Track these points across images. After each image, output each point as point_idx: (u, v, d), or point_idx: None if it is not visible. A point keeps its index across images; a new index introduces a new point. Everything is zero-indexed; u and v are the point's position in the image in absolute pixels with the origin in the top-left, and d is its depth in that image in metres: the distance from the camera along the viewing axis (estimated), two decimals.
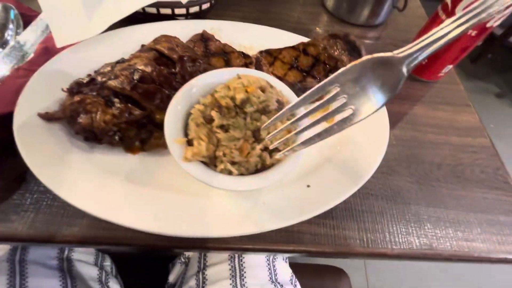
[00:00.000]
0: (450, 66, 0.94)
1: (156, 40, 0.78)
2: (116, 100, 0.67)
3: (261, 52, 0.86)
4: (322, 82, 0.49)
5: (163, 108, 0.69)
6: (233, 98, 0.49)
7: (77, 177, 0.60)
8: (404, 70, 0.45)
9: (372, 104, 0.47)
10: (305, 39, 0.91)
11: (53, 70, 0.72)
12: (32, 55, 0.81)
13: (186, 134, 0.54)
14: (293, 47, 0.85)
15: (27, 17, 0.91)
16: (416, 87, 1.00)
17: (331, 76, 0.48)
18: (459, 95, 1.00)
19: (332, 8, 1.20)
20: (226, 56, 0.83)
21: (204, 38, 0.84)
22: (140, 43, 0.85)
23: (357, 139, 0.75)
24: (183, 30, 0.89)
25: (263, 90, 0.51)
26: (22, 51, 0.82)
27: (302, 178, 0.66)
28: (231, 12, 1.12)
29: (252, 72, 0.59)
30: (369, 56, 0.46)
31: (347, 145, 0.75)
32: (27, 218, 0.62)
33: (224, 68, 0.64)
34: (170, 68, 0.73)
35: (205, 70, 0.75)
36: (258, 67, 0.85)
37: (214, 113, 0.48)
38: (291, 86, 0.79)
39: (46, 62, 0.72)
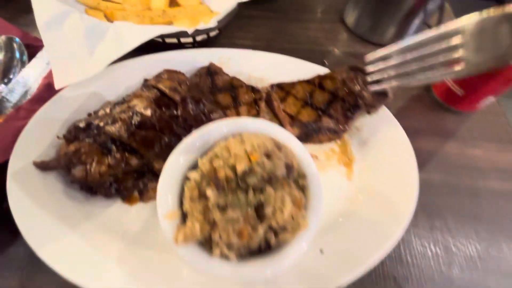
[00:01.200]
0: (492, 98, 0.82)
1: (159, 77, 0.73)
2: (113, 147, 0.62)
3: (272, 86, 0.79)
4: (446, 30, 0.49)
5: (162, 157, 0.64)
6: (233, 168, 0.42)
7: (68, 242, 0.56)
8: None
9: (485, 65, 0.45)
10: (322, 69, 0.82)
11: (51, 113, 0.69)
12: (35, 90, 0.79)
13: (181, 200, 0.48)
14: (307, 81, 0.77)
15: (33, 48, 0.89)
16: (449, 119, 0.88)
17: (457, 24, 0.47)
18: (502, 129, 0.86)
19: (353, 25, 1.10)
20: (234, 91, 0.76)
21: (210, 72, 0.77)
22: (143, 75, 0.80)
23: (381, 189, 0.66)
24: (190, 60, 0.83)
25: (269, 156, 0.44)
26: (26, 86, 0.80)
27: (315, 239, 0.58)
28: (243, 33, 1.05)
29: (258, 126, 0.52)
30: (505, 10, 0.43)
31: (368, 197, 0.66)
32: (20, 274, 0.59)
33: (227, 118, 0.57)
34: (172, 109, 0.67)
35: (209, 112, 0.69)
36: (269, 103, 0.78)
37: (210, 192, 0.41)
38: (305, 126, 0.72)
39: (44, 105, 0.69)
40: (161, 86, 0.68)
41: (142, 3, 0.97)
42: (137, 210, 0.64)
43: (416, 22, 0.99)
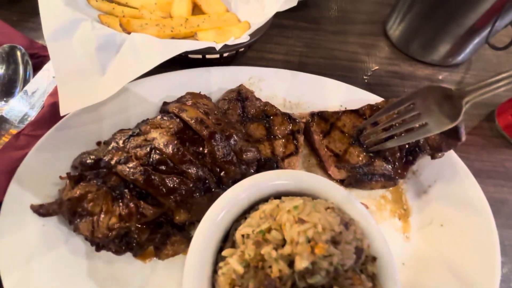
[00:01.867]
0: None
1: (181, 102, 0.62)
2: (126, 192, 0.51)
3: (312, 115, 0.66)
4: (405, 96, 0.57)
5: (184, 206, 0.53)
6: (289, 261, 0.31)
7: None
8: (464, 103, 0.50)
9: (441, 125, 0.52)
10: (373, 97, 0.69)
11: (54, 143, 0.58)
12: (39, 109, 0.69)
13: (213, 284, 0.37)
14: (356, 111, 0.65)
15: (40, 57, 0.79)
16: None
17: (411, 92, 0.56)
18: None
19: (398, 40, 0.96)
20: (268, 121, 0.65)
21: (241, 97, 0.66)
22: (162, 97, 0.69)
23: (450, 257, 0.53)
24: (216, 79, 0.72)
25: (336, 242, 0.32)
26: (29, 104, 0.70)
27: None
28: (273, 45, 0.93)
29: (309, 184, 0.40)
30: (434, 85, 0.55)
31: (433, 265, 0.53)
32: None
33: (271, 171, 0.45)
34: (197, 146, 0.56)
35: (241, 151, 0.57)
36: (308, 135, 0.66)
37: None
38: (354, 170, 0.59)
39: (46, 134, 0.59)
40: (184, 116, 0.57)
41: (162, 10, 0.86)
42: (152, 268, 0.53)
43: (476, 40, 0.85)
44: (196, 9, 0.89)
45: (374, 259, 0.37)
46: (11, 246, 0.48)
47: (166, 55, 0.62)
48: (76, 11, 0.70)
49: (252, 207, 0.44)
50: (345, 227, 0.35)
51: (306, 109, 0.71)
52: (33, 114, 0.68)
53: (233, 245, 0.39)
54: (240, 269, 0.33)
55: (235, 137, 0.57)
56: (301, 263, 0.30)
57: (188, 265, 0.36)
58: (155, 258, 0.54)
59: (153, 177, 0.51)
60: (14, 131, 0.65)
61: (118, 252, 0.51)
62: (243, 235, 0.37)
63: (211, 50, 0.69)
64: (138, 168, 0.51)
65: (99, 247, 0.51)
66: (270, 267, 0.32)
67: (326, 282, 0.32)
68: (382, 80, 0.89)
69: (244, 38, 0.70)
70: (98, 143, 0.62)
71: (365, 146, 0.61)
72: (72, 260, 0.51)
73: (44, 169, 0.56)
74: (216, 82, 0.71)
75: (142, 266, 0.53)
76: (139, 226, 0.51)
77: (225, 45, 0.69)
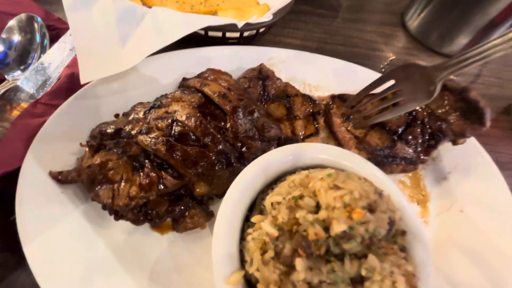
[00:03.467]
0: None
1: (203, 78, 0.61)
2: (146, 162, 0.50)
3: (333, 97, 0.66)
4: (384, 74, 0.59)
5: (205, 178, 0.52)
6: (324, 225, 0.30)
7: (81, 276, 0.45)
8: (437, 81, 0.51)
9: (418, 102, 0.54)
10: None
11: (73, 112, 0.57)
12: (55, 81, 0.68)
13: (241, 251, 0.36)
14: (378, 95, 0.64)
15: (56, 30, 0.77)
16: None
17: (390, 70, 0.58)
18: None
19: (416, 31, 0.95)
20: (288, 101, 0.64)
21: (262, 76, 0.65)
22: (181, 73, 0.68)
23: (470, 244, 0.53)
24: (235, 59, 0.71)
25: (372, 209, 0.32)
26: (45, 75, 0.69)
27: None
28: (291, 30, 0.92)
29: (336, 157, 0.39)
30: (410, 63, 0.56)
31: (452, 251, 0.53)
32: None
33: (298, 143, 0.44)
34: (219, 120, 0.55)
35: (263, 127, 0.56)
36: (328, 118, 0.65)
37: (299, 263, 0.29)
38: (375, 152, 0.59)
39: (65, 102, 0.58)
40: (207, 90, 0.56)
41: None
42: (170, 241, 0.52)
43: (497, 33, 0.84)
44: None
45: (403, 232, 0.37)
46: (29, 213, 0.48)
47: (189, 29, 0.61)
48: None
49: (278, 179, 0.43)
50: (379, 196, 0.34)
51: (325, 92, 0.71)
52: (49, 85, 0.67)
53: (261, 213, 0.38)
54: (274, 232, 0.32)
55: (257, 113, 0.56)
56: (339, 227, 0.30)
57: (217, 231, 0.35)
58: (172, 231, 0.53)
59: (175, 148, 0.50)
60: (25, 104, 0.64)
61: (137, 222, 0.50)
62: (272, 203, 0.36)
63: (232, 28, 0.68)
64: (160, 138, 0.51)
65: (117, 216, 0.50)
66: (305, 231, 0.31)
67: (359, 249, 0.32)
68: None
69: (267, 17, 0.69)
70: (116, 115, 0.61)
71: (386, 129, 0.60)
72: (90, 229, 0.50)
73: (62, 138, 0.56)
74: (235, 61, 0.70)
75: (159, 238, 0.52)
76: (159, 197, 0.51)
77: (247, 23, 0.68)
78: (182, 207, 0.52)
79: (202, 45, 0.72)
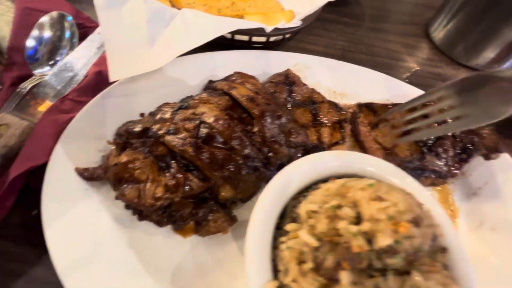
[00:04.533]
0: None
1: (230, 81, 0.61)
2: (172, 163, 0.50)
3: (360, 106, 0.65)
4: (439, 87, 0.54)
5: (231, 182, 0.51)
6: (369, 240, 0.29)
7: (102, 273, 0.44)
8: None
9: (488, 116, 0.47)
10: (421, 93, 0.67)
11: (100, 110, 0.57)
12: (82, 78, 0.69)
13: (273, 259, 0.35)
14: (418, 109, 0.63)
15: (85, 28, 0.79)
16: None
17: (448, 83, 0.52)
18: None
19: (441, 43, 0.94)
20: (314, 107, 0.63)
21: (288, 81, 0.64)
22: (207, 75, 0.68)
23: (503, 266, 0.50)
24: (261, 63, 0.70)
25: (417, 223, 0.30)
26: (73, 71, 0.69)
27: None
28: (314, 37, 0.92)
29: (373, 168, 0.38)
30: (474, 73, 0.51)
31: (483, 272, 0.50)
32: None
33: (331, 151, 0.43)
34: (245, 124, 0.54)
35: (290, 132, 0.55)
36: (354, 127, 0.64)
37: (344, 275, 0.28)
38: (404, 164, 0.57)
39: (93, 99, 0.58)
40: (235, 93, 0.56)
41: None
42: (192, 245, 0.51)
43: None
44: None
45: (444, 249, 0.35)
46: (55, 209, 0.47)
47: (218, 32, 0.61)
48: None
49: (309, 187, 0.42)
50: (421, 210, 0.33)
51: (351, 100, 0.69)
52: (76, 82, 0.68)
53: (293, 221, 0.37)
54: (313, 242, 0.31)
55: (285, 118, 0.55)
56: (384, 240, 0.28)
57: (251, 237, 0.34)
58: (194, 235, 0.52)
59: (202, 149, 0.49)
60: (51, 100, 0.64)
61: (160, 223, 0.50)
62: (307, 211, 0.35)
63: (260, 32, 0.68)
64: (188, 139, 0.50)
65: (141, 216, 0.50)
66: (346, 242, 0.30)
67: (402, 265, 0.30)
68: (424, 81, 0.87)
69: (296, 23, 0.69)
70: (141, 115, 0.61)
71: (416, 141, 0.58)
72: (114, 228, 0.50)
73: (89, 135, 0.56)
74: (261, 66, 0.70)
75: (181, 242, 0.51)
76: (183, 199, 0.50)
77: (276, 28, 0.67)
78: (206, 210, 0.51)
79: (226, 48, 0.72)
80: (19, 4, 0.75)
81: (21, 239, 0.52)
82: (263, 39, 0.73)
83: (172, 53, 0.61)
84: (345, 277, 0.28)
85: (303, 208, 0.35)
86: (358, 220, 0.32)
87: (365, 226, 0.30)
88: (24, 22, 0.72)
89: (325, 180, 0.41)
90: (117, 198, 0.50)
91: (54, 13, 0.73)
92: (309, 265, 0.30)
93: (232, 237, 0.53)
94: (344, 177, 0.40)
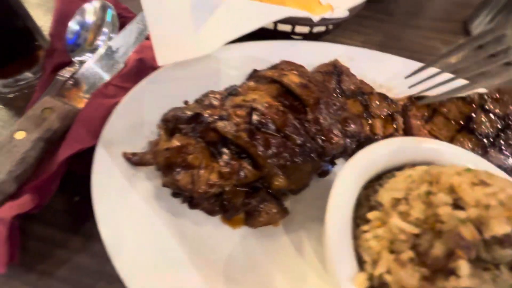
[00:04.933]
0: None
1: (279, 69, 0.58)
2: (224, 150, 0.48)
3: (411, 98, 0.62)
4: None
5: (286, 172, 0.48)
6: (479, 229, 0.26)
7: (150, 259, 0.42)
8: None
9: None
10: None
11: (146, 95, 0.56)
12: (122, 66, 0.68)
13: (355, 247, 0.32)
14: (463, 99, 0.60)
15: (123, 18, 0.78)
16: None
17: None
18: None
19: None
20: (365, 98, 0.60)
21: (337, 71, 0.62)
22: (251, 64, 0.66)
23: None
24: (304, 54, 0.68)
25: None
26: (113, 59, 0.68)
27: None
28: (351, 33, 0.90)
29: (458, 157, 0.35)
30: None
31: None
32: None
33: (409, 137, 0.41)
34: (297, 112, 0.52)
35: (345, 121, 0.53)
36: (406, 120, 0.61)
37: (463, 266, 0.25)
38: None
39: (140, 83, 0.56)
40: (286, 80, 0.53)
41: None
42: (242, 237, 0.48)
43: None
44: None
45: None
46: (105, 194, 0.45)
47: (268, 19, 0.60)
48: None
49: (381, 175, 0.39)
50: None
51: (399, 93, 0.67)
52: (116, 69, 0.67)
53: (371, 209, 0.34)
54: (414, 229, 0.28)
55: (339, 107, 0.53)
56: (500, 228, 0.25)
57: (331, 227, 0.31)
58: (244, 227, 0.50)
59: (257, 135, 0.47)
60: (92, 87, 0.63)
61: (212, 212, 0.47)
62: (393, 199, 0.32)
63: (305, 22, 0.66)
64: (242, 125, 0.48)
65: (192, 204, 0.47)
66: (450, 231, 0.27)
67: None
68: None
69: (343, 13, 0.67)
70: (186, 102, 0.60)
71: (476, 134, 0.55)
72: (163, 216, 0.47)
73: (135, 120, 0.54)
74: (305, 57, 0.67)
75: (231, 233, 0.49)
76: (236, 187, 0.47)
77: (324, 19, 0.66)
78: (259, 200, 0.48)
79: (265, 39, 0.70)
80: None
81: (65, 226, 0.50)
82: (305, 30, 0.71)
83: (218, 40, 0.59)
84: (464, 267, 0.25)
85: (386, 195, 0.32)
86: (455, 207, 0.29)
87: (472, 212, 0.27)
88: (67, 10, 0.72)
89: (398, 168, 0.39)
90: (165, 185, 0.48)
91: (96, 2, 0.73)
92: (408, 254, 0.27)
93: (283, 231, 0.50)
94: (420, 164, 0.38)
